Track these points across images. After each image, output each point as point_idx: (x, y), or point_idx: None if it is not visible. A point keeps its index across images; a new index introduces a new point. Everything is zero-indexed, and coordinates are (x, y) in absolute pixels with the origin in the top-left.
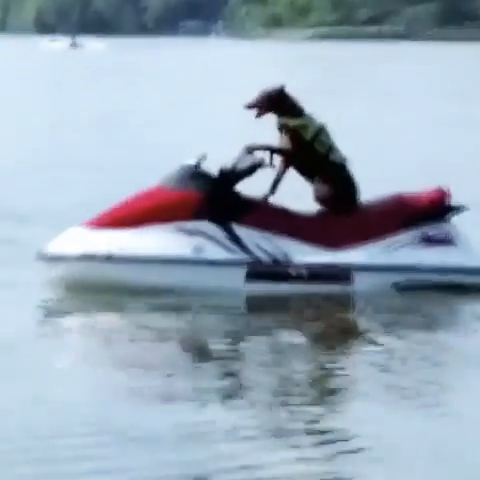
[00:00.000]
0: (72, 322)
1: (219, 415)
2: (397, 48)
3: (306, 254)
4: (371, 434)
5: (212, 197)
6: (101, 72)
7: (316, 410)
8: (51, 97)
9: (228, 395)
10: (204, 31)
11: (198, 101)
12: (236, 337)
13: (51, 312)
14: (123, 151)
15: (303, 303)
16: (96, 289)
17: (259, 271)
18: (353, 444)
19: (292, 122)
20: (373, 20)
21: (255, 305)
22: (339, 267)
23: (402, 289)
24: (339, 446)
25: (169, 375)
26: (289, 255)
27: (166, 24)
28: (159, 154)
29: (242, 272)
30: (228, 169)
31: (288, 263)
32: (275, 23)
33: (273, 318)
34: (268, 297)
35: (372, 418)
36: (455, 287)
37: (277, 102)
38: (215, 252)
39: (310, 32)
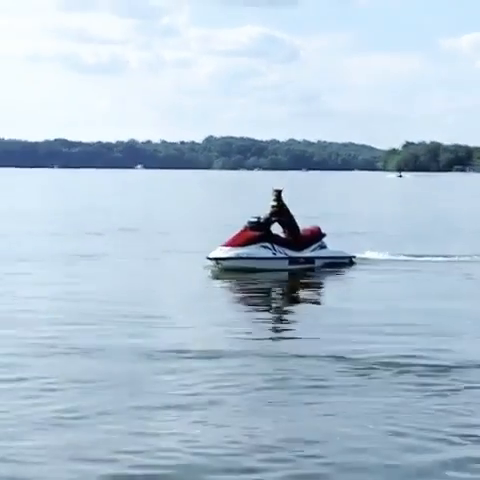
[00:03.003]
0: (219, 284)
1: None
2: None
3: (294, 253)
4: None
5: (265, 234)
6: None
7: None
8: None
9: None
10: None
11: None
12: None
13: (212, 280)
14: None
15: (303, 272)
16: (228, 271)
17: (292, 260)
18: None
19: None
20: None
21: (290, 273)
22: (306, 257)
23: (324, 265)
24: None
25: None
26: (290, 254)
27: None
28: None
29: (287, 261)
30: (264, 220)
31: (294, 258)
32: None
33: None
34: (291, 269)
35: None
36: (332, 264)
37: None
38: (282, 254)
39: None
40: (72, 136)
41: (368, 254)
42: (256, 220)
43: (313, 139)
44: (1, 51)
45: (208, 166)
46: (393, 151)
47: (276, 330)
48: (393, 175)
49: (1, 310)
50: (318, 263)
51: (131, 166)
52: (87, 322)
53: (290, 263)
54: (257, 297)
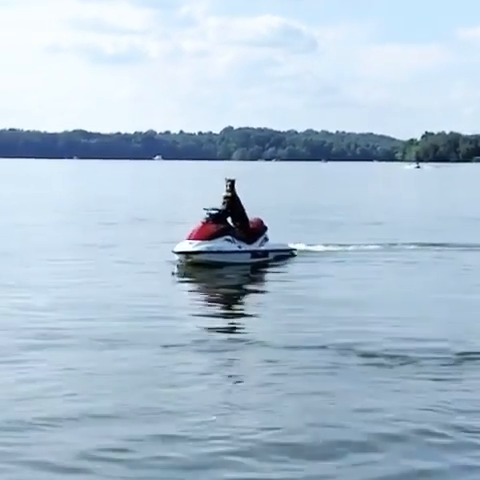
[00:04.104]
0: (184, 277)
1: None
2: None
3: (249, 246)
4: None
5: (226, 227)
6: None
7: None
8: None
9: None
10: None
11: None
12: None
13: (176, 274)
14: None
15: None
16: (193, 264)
17: (253, 254)
18: None
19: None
20: None
21: (253, 266)
22: (262, 250)
23: (276, 258)
24: None
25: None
26: (249, 248)
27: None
28: None
29: (249, 254)
30: (222, 212)
31: (255, 251)
32: None
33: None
34: (253, 263)
35: None
36: (284, 256)
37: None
38: (243, 247)
39: None
40: (91, 127)
41: (308, 246)
42: (217, 212)
43: (332, 130)
44: (20, 42)
45: (226, 157)
46: (412, 142)
47: (281, 322)
48: (411, 166)
49: (16, 301)
50: (270, 256)
51: (150, 157)
52: (96, 313)
53: (252, 256)
54: (241, 291)
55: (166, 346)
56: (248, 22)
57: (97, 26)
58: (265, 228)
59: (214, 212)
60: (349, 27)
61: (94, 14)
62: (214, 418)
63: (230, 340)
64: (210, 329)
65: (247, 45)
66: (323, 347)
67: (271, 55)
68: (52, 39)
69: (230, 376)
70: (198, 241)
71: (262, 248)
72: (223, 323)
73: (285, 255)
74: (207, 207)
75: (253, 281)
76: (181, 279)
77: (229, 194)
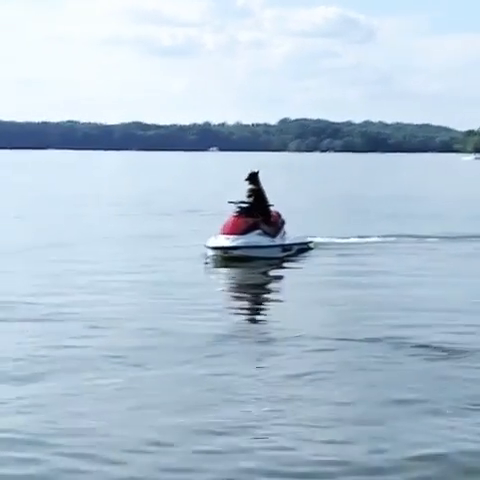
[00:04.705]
0: (215, 269)
1: None
2: None
3: (275, 239)
4: None
5: (258, 221)
6: None
7: None
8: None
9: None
10: None
11: None
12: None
13: (210, 266)
14: None
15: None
16: (224, 258)
17: (282, 248)
18: None
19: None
20: None
21: (281, 259)
22: (289, 244)
23: (298, 251)
24: None
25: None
26: (278, 242)
27: None
28: None
29: (280, 248)
30: (250, 206)
31: (283, 245)
32: None
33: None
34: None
35: None
36: (302, 249)
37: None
38: (275, 241)
39: None
40: (148, 119)
41: (322, 239)
42: (247, 205)
43: (389, 121)
44: (78, 34)
45: (282, 148)
46: (470, 132)
47: (327, 314)
48: (469, 157)
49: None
50: (294, 249)
51: (205, 149)
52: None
53: (282, 250)
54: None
55: (215, 337)
56: (305, 13)
57: (155, 18)
58: (283, 221)
59: (244, 205)
60: (407, 16)
61: (152, 6)
62: (266, 409)
63: (277, 332)
64: (257, 322)
65: (304, 36)
66: (375, 340)
67: (328, 46)
68: (110, 31)
69: (279, 368)
70: (234, 236)
71: (287, 242)
72: (269, 316)
73: (304, 248)
74: (233, 200)
75: (296, 274)
76: (219, 271)
77: (254, 187)
